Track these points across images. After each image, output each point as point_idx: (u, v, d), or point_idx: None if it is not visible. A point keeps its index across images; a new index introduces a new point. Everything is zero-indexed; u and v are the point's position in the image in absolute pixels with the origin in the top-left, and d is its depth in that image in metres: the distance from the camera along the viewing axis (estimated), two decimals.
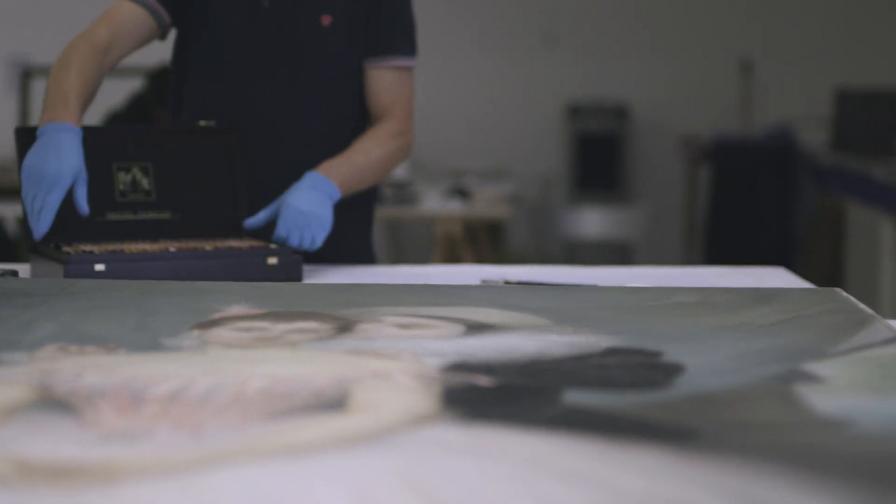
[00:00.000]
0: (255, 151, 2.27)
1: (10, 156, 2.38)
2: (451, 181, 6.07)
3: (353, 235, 2.33)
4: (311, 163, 2.23)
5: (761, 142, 6.57)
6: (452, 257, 5.23)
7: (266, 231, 2.18)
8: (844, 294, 1.75)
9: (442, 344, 1.44)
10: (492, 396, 1.21)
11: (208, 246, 2.07)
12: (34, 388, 1.23)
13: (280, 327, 1.53)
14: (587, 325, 1.55)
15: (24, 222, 2.04)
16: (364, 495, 0.94)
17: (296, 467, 1.00)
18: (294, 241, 2.10)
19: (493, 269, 2.21)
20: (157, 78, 4.48)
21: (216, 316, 1.59)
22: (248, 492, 0.95)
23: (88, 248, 2.02)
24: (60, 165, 1.95)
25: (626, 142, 7.27)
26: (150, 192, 2.17)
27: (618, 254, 7.20)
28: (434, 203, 5.44)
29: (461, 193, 5.45)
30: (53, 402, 1.19)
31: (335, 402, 1.17)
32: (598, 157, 7.24)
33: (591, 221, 6.93)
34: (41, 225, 1.95)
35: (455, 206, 5.34)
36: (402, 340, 1.47)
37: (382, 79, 2.32)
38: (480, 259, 5.54)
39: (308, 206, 2.12)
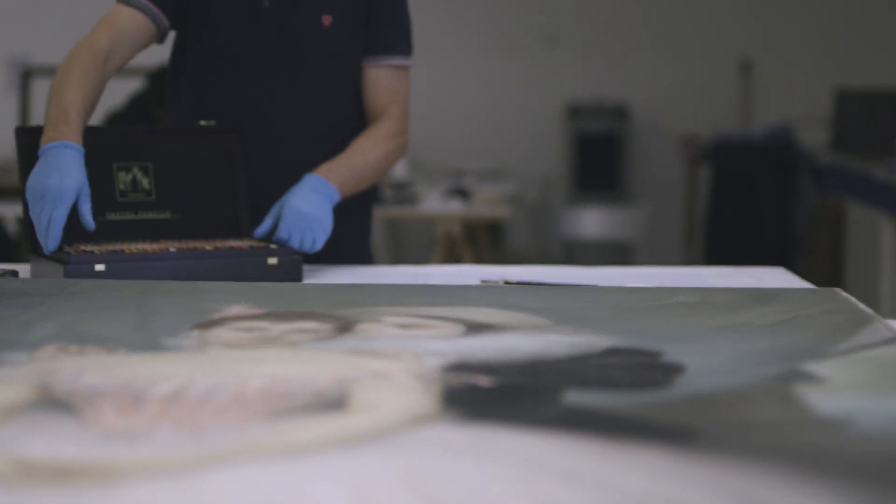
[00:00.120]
0: (255, 151, 2.27)
1: (11, 156, 2.38)
2: (451, 181, 6.07)
3: (351, 236, 2.33)
4: (312, 163, 2.24)
5: (761, 142, 6.57)
6: (452, 257, 5.24)
7: None
8: (844, 294, 1.75)
9: (442, 344, 1.44)
10: (492, 396, 1.21)
11: (208, 246, 2.07)
12: (34, 388, 1.23)
13: (280, 327, 1.53)
14: (587, 325, 1.55)
15: (24, 224, 2.04)
16: (364, 495, 0.94)
17: (296, 467, 1.00)
18: (295, 243, 2.10)
19: (493, 269, 2.21)
20: (157, 78, 4.48)
21: (216, 316, 1.59)
22: (248, 492, 0.95)
23: (88, 248, 2.02)
24: (63, 182, 1.96)
25: (626, 142, 7.27)
26: (150, 192, 2.17)
27: (618, 254, 7.20)
28: (434, 203, 5.44)
29: (461, 193, 5.45)
30: (53, 402, 1.19)
31: (335, 402, 1.17)
32: (598, 157, 7.24)
33: (591, 221, 6.93)
34: (50, 242, 1.96)
35: (455, 206, 5.34)
36: (402, 340, 1.47)
37: (380, 78, 2.33)
38: (480, 259, 5.54)
39: (309, 208, 2.12)
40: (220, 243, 2.11)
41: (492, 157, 7.13)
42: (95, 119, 2.19)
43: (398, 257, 7.05)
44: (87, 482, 0.96)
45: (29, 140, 2.08)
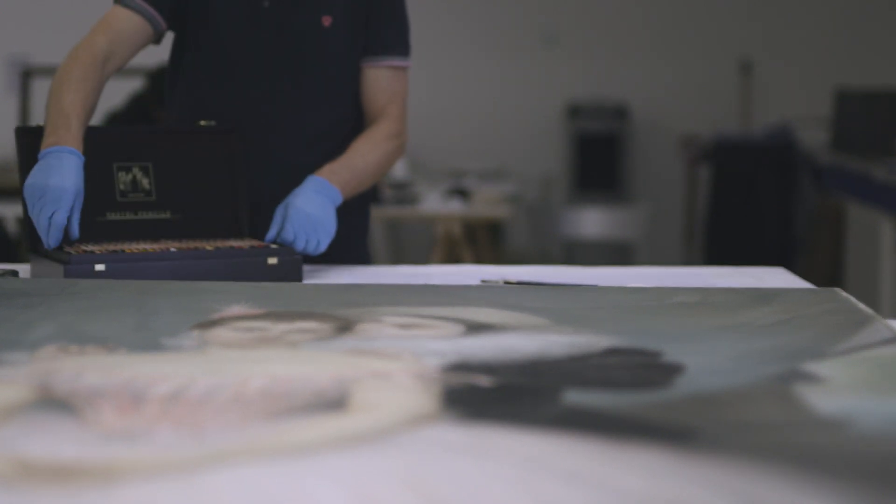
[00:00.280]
0: (255, 152, 2.28)
1: (11, 156, 2.38)
2: (451, 181, 6.07)
3: (349, 237, 2.33)
4: (312, 163, 2.24)
5: (761, 142, 6.57)
6: (452, 257, 5.24)
7: (263, 230, 2.18)
8: (844, 294, 1.75)
9: (442, 344, 1.44)
10: (492, 396, 1.21)
11: (209, 246, 2.07)
12: (34, 388, 1.23)
13: (280, 327, 1.53)
14: (587, 325, 1.55)
15: (24, 223, 2.04)
16: (364, 495, 0.94)
17: (296, 467, 1.00)
18: (300, 245, 2.11)
19: (492, 269, 2.21)
20: (157, 78, 4.48)
21: (216, 316, 1.59)
22: (248, 492, 0.95)
23: (89, 248, 2.02)
24: (63, 182, 1.96)
25: (626, 142, 7.27)
26: (150, 192, 2.17)
27: (618, 254, 7.20)
28: (434, 203, 5.44)
29: (461, 193, 5.45)
30: (53, 402, 1.19)
31: (335, 402, 1.17)
32: (598, 157, 7.24)
33: (591, 221, 6.93)
34: (51, 241, 1.96)
35: (455, 206, 5.34)
36: (402, 340, 1.47)
37: (379, 78, 2.33)
38: (480, 259, 5.54)
39: (315, 210, 2.13)
40: (220, 243, 2.11)
41: (492, 157, 7.13)
42: (95, 119, 2.20)
43: (398, 257, 7.05)
44: (87, 482, 0.96)
45: (29, 140, 2.08)
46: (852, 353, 1.42)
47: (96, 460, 1.01)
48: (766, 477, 0.98)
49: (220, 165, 2.23)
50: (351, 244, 2.34)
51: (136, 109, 4.83)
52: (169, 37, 2.34)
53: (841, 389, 1.25)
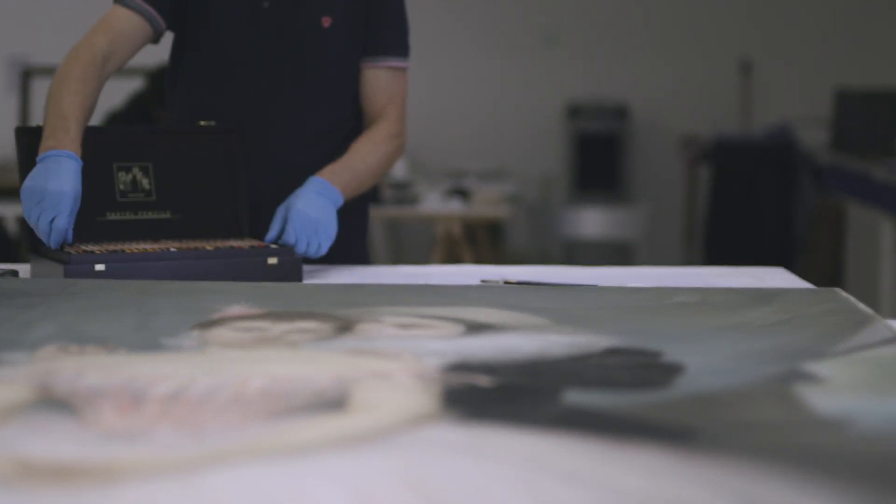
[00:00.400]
0: (255, 152, 2.28)
1: (11, 156, 2.39)
2: (451, 181, 6.07)
3: (348, 237, 2.33)
4: (312, 163, 2.24)
5: (761, 142, 6.57)
6: (452, 257, 5.24)
7: (263, 229, 2.18)
8: (844, 294, 1.75)
9: (442, 344, 1.44)
10: (492, 396, 1.21)
11: (209, 246, 2.07)
12: (34, 388, 1.23)
13: (280, 327, 1.53)
14: (587, 325, 1.55)
15: (24, 224, 2.04)
16: (364, 495, 0.94)
17: (296, 467, 1.00)
18: (301, 248, 2.11)
19: (492, 269, 2.21)
20: (157, 78, 4.48)
21: (216, 316, 1.59)
22: (248, 492, 0.95)
23: (89, 248, 2.02)
24: (62, 187, 1.96)
25: (626, 142, 7.27)
26: (150, 192, 2.17)
27: (618, 254, 7.20)
28: (434, 203, 5.44)
29: (461, 193, 5.45)
30: (53, 402, 1.19)
31: (335, 402, 1.17)
32: (598, 157, 7.24)
33: (591, 221, 6.93)
34: (52, 244, 1.97)
35: (455, 206, 5.34)
36: (402, 340, 1.47)
37: (378, 79, 2.33)
38: (480, 259, 5.54)
39: (317, 212, 2.13)
40: (220, 243, 2.11)
41: (492, 157, 7.13)
42: (95, 119, 2.20)
43: (398, 257, 7.05)
44: (87, 482, 0.96)
45: (29, 140, 2.08)
46: (852, 353, 1.42)
47: (96, 460, 1.01)
48: (766, 477, 0.98)
49: (220, 165, 2.23)
50: (350, 245, 2.34)
51: (136, 109, 4.84)
52: (169, 37, 2.34)
53: (841, 389, 1.25)
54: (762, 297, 1.74)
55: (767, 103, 7.25)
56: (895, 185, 4.81)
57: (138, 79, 4.84)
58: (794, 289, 1.91)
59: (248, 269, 2.02)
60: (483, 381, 1.26)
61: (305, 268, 2.14)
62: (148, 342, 1.45)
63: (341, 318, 1.58)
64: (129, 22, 2.21)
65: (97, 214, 2.11)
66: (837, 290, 1.78)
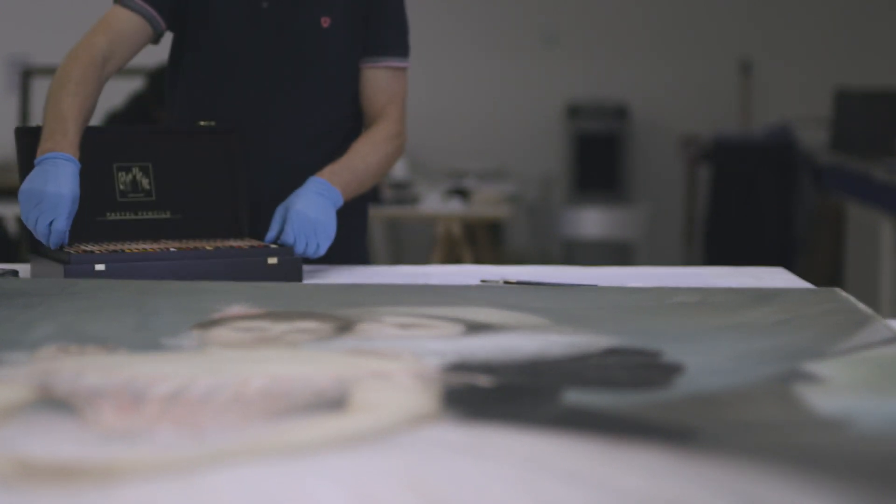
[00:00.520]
0: (255, 152, 2.28)
1: (11, 156, 2.38)
2: (451, 181, 6.07)
3: (347, 237, 2.33)
4: (311, 163, 2.24)
5: (761, 142, 6.57)
6: (452, 257, 5.24)
7: (263, 229, 2.18)
8: (844, 294, 1.75)
9: (442, 344, 1.44)
10: (492, 396, 1.21)
11: (209, 246, 2.07)
12: (34, 388, 1.23)
13: (280, 327, 1.53)
14: (587, 325, 1.55)
15: (24, 224, 2.04)
16: (364, 495, 0.94)
17: (296, 467, 1.00)
18: (300, 248, 2.10)
19: (493, 269, 2.21)
20: (157, 78, 4.48)
21: (216, 316, 1.59)
22: (248, 492, 0.95)
23: (89, 247, 2.02)
24: (60, 189, 1.96)
25: (626, 142, 7.27)
26: (150, 192, 2.17)
27: (618, 254, 7.20)
28: (434, 203, 5.44)
29: (461, 193, 5.45)
30: (53, 402, 1.19)
31: (335, 402, 1.17)
32: (598, 157, 7.24)
33: (591, 221, 6.93)
34: (51, 246, 1.98)
35: (455, 206, 5.34)
36: (402, 340, 1.47)
37: (378, 79, 2.33)
38: (480, 259, 5.54)
39: (316, 213, 2.13)
40: (220, 243, 2.11)
41: (492, 157, 7.13)
42: (95, 119, 2.20)
43: (398, 257, 7.05)
44: (87, 482, 0.96)
45: (29, 140, 2.08)
46: (852, 353, 1.42)
47: (96, 460, 1.01)
48: (766, 477, 0.98)
49: (220, 165, 2.23)
50: (350, 245, 2.34)
51: (136, 109, 4.83)
52: (168, 37, 2.34)
53: (841, 389, 1.25)
54: (762, 297, 1.74)
55: (767, 103, 7.25)
56: (895, 185, 4.81)
57: (138, 79, 4.83)
58: (794, 289, 1.91)
59: (248, 269, 2.02)
60: (483, 381, 1.26)
61: (305, 268, 2.14)
62: (148, 342, 1.45)
63: (341, 318, 1.58)
64: (129, 22, 2.21)
65: (97, 214, 2.11)
66: (837, 290, 1.78)
